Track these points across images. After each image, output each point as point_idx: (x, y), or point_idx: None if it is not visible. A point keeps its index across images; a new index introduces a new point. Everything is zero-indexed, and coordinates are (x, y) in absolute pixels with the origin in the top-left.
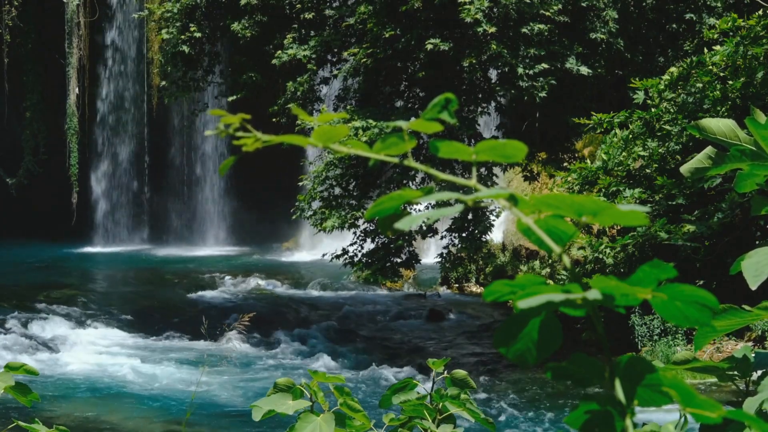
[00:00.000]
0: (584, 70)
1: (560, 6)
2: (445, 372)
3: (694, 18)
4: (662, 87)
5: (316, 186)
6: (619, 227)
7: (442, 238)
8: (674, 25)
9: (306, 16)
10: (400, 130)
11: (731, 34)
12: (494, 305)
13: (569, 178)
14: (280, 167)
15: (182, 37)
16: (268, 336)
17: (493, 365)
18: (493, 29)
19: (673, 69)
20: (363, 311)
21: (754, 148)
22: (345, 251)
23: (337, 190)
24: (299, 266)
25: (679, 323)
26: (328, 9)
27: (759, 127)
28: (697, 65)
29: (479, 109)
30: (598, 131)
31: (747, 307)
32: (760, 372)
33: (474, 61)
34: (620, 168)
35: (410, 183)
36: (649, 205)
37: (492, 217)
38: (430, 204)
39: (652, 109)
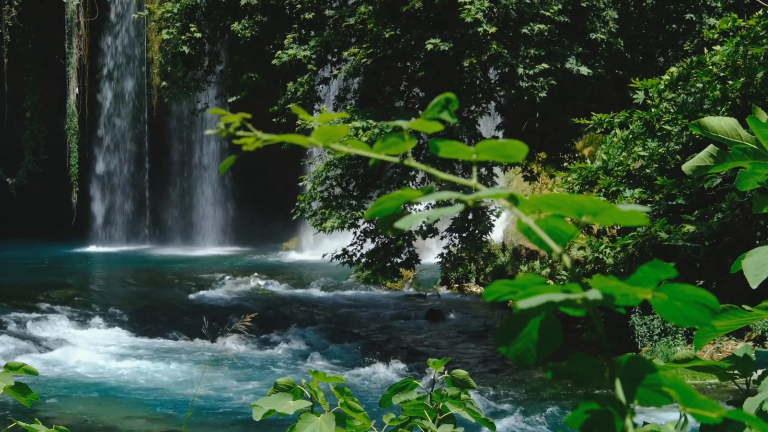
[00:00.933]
0: (584, 70)
1: (560, 6)
2: (445, 372)
3: (694, 18)
4: (662, 87)
5: (316, 186)
6: (619, 227)
7: (442, 238)
8: (674, 25)
9: (306, 16)
10: (400, 130)
11: (731, 34)
12: (494, 305)
13: (569, 178)
14: (280, 167)
15: (182, 37)
16: (268, 336)
17: (494, 365)
18: (493, 29)
19: (673, 69)
20: (363, 311)
21: (755, 147)
22: (345, 251)
23: (338, 190)
24: (299, 266)
25: (679, 323)
26: (328, 9)
27: (760, 126)
28: (697, 65)
29: (479, 109)
30: (598, 131)
31: (747, 307)
32: (760, 371)
33: (474, 61)
34: (620, 168)
35: (410, 183)
36: (649, 205)
37: (492, 217)
38: (430, 204)
39: (652, 109)
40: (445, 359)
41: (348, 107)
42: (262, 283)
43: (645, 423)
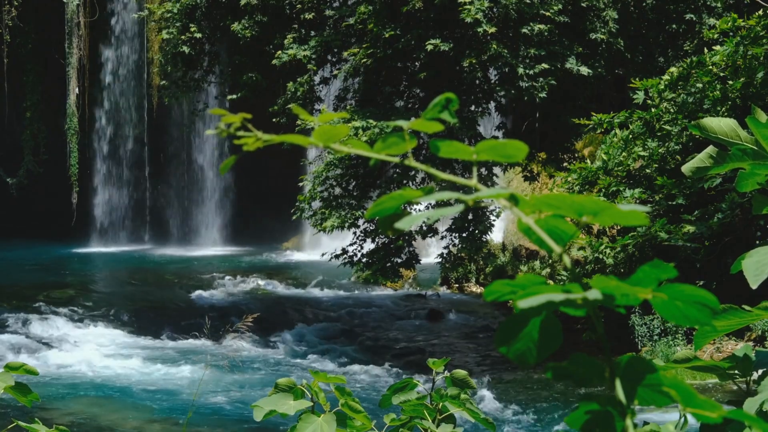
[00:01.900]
0: (584, 70)
1: (560, 6)
2: (445, 372)
3: (694, 18)
4: (662, 87)
5: (316, 186)
6: (619, 227)
7: (442, 238)
8: (674, 25)
9: (306, 16)
10: (400, 130)
11: (731, 34)
12: (494, 305)
13: (569, 178)
14: (280, 167)
15: (182, 37)
16: (268, 336)
17: (494, 365)
18: (493, 29)
19: (673, 69)
20: (363, 311)
21: (755, 148)
22: (345, 251)
23: (337, 190)
24: (299, 266)
25: (679, 323)
26: (328, 9)
27: (760, 127)
28: (697, 65)
29: (479, 109)
30: (598, 131)
31: (747, 307)
32: (760, 371)
33: (474, 61)
34: (620, 168)
35: (410, 183)
36: (649, 205)
37: (492, 217)
38: (430, 204)
39: (652, 109)
40: (445, 359)
41: (348, 107)
42: (262, 283)
43: (645, 423)
